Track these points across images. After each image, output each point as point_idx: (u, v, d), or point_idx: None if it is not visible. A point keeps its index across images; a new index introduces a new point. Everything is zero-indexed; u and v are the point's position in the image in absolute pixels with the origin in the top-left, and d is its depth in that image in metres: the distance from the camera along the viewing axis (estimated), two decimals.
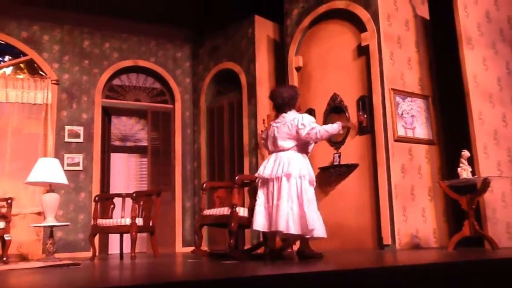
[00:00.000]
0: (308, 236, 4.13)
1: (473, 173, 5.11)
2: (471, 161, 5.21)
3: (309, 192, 4.18)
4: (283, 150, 4.31)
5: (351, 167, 6.10)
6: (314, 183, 4.30)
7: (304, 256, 4.31)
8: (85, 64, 7.98)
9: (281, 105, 4.39)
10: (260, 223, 4.18)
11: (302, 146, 4.34)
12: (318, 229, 4.07)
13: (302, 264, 3.71)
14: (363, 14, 6.21)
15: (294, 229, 4.04)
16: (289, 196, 4.11)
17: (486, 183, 4.89)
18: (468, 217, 4.89)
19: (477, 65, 5.65)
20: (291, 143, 4.30)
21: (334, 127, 4.30)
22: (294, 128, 4.26)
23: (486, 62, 5.73)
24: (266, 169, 4.28)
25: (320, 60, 6.69)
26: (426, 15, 6.64)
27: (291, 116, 4.32)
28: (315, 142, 4.59)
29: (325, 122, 6.36)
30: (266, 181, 4.26)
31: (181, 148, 8.37)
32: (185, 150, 8.41)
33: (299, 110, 4.54)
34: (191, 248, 5.68)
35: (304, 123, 4.24)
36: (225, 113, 8.06)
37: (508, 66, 5.88)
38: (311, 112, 6.57)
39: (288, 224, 4.03)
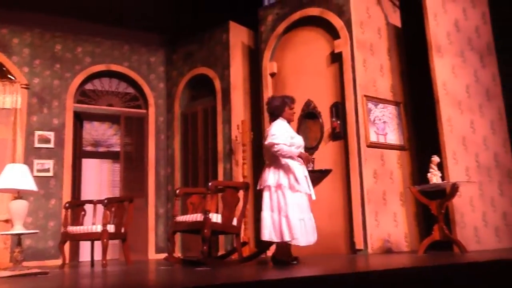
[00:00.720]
0: (290, 243, 4.36)
1: (442, 178, 5.22)
2: (441, 166, 5.32)
3: (290, 200, 4.33)
4: (266, 159, 4.61)
5: (324, 173, 6.14)
6: (298, 188, 4.37)
7: (277, 262, 4.40)
8: (57, 68, 7.84)
9: (269, 114, 4.70)
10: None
11: (274, 157, 4.47)
12: (298, 237, 4.28)
13: (276, 270, 3.71)
14: (337, 22, 6.29)
15: (274, 237, 4.32)
16: (271, 206, 4.39)
17: (454, 188, 4.99)
18: (437, 221, 4.98)
19: (446, 72, 5.78)
20: (269, 153, 4.52)
21: (293, 152, 4.43)
22: (267, 137, 4.51)
23: (455, 70, 5.87)
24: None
25: (294, 66, 6.74)
26: (398, 23, 6.77)
27: (270, 127, 4.57)
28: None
29: (300, 127, 6.41)
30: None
31: (154, 154, 8.29)
32: (158, 156, 8.33)
33: (290, 121, 4.68)
34: (164, 255, 5.62)
35: (269, 134, 4.47)
36: (199, 118, 8.03)
37: (476, 74, 6.04)
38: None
39: (270, 232, 4.33)
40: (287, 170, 4.42)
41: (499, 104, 6.11)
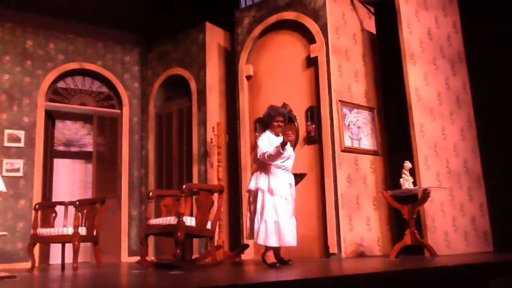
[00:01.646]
0: (263, 245, 4.52)
1: (414, 183, 5.31)
2: (413, 172, 5.42)
3: (267, 204, 4.50)
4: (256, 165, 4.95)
5: (299, 176, 6.16)
6: (275, 192, 4.52)
7: (264, 262, 4.61)
8: (28, 65, 7.65)
9: (260, 127, 5.05)
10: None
11: (261, 162, 4.69)
12: (271, 240, 4.45)
13: (248, 274, 3.71)
14: (313, 26, 6.34)
15: (256, 239, 4.53)
16: (249, 208, 4.69)
17: (426, 193, 5.09)
18: (409, 226, 5.07)
19: (419, 79, 5.90)
20: (256, 160, 4.85)
21: (274, 150, 4.50)
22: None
23: (427, 77, 6.00)
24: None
25: (270, 69, 6.76)
26: (373, 30, 6.87)
27: (258, 138, 4.83)
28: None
29: None
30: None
31: (128, 155, 8.18)
32: (132, 157, 8.22)
33: (276, 134, 4.75)
34: (137, 258, 5.55)
35: (258, 144, 4.70)
36: (174, 119, 7.96)
37: (447, 82, 6.18)
38: (260, 120, 6.62)
39: (249, 233, 4.66)
40: (269, 174, 4.60)
41: (469, 111, 6.27)
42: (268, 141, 4.63)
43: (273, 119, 4.72)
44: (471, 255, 5.17)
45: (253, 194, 4.67)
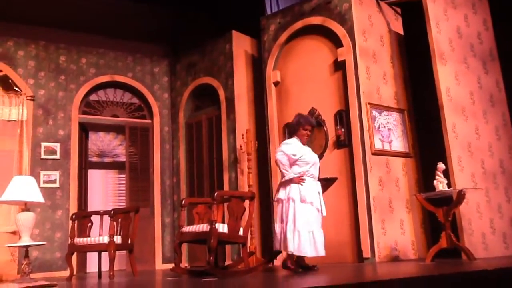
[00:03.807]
0: (297, 254, 4.51)
1: (448, 185, 5.21)
2: (447, 173, 5.31)
3: (300, 213, 4.53)
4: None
5: (329, 181, 6.11)
6: (307, 201, 4.58)
7: (286, 268, 4.62)
8: (61, 79, 7.90)
9: (288, 132, 5.13)
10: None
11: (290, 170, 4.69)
12: (303, 248, 4.46)
13: (282, 280, 3.71)
14: (339, 30, 6.31)
15: (282, 248, 4.58)
16: (280, 219, 4.64)
17: (461, 195, 4.98)
18: (444, 228, 4.97)
19: (449, 79, 5.79)
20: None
21: (288, 175, 4.65)
22: None
23: (458, 76, 5.88)
24: None
25: (298, 75, 6.76)
26: (400, 31, 6.79)
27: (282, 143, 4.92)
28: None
29: None
30: None
31: (159, 164, 8.31)
32: (163, 166, 8.35)
33: (302, 142, 4.85)
34: (172, 265, 5.62)
35: (280, 148, 4.79)
36: (204, 128, 8.05)
37: (479, 81, 6.04)
38: (288, 126, 6.62)
39: (279, 243, 4.61)
40: (297, 183, 4.65)
41: (504, 110, 6.11)
42: (290, 150, 4.69)
43: (303, 126, 4.79)
44: (511, 258, 5.01)
45: (284, 204, 4.65)
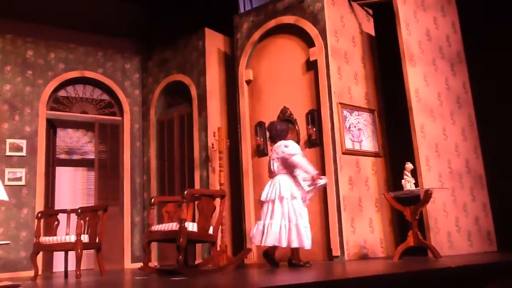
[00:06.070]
0: (297, 247, 4.87)
1: (416, 184, 5.30)
2: (414, 173, 5.41)
3: (299, 210, 4.90)
4: (275, 174, 5.05)
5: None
6: (307, 201, 5.08)
7: (293, 265, 4.95)
8: (29, 74, 7.69)
9: (274, 136, 5.22)
10: (257, 239, 4.93)
11: (289, 169, 5.01)
12: (305, 242, 4.84)
13: (252, 278, 3.70)
14: (311, 30, 6.35)
15: (284, 243, 4.79)
16: (282, 215, 4.85)
17: (428, 194, 5.08)
18: (412, 227, 5.06)
19: (418, 80, 5.89)
20: (280, 167, 5.03)
21: (310, 170, 5.01)
22: (280, 152, 5.02)
23: (427, 78, 5.99)
24: (263, 193, 5.07)
25: (270, 73, 6.77)
26: (372, 32, 6.88)
27: (278, 144, 5.12)
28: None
29: None
30: (263, 204, 5.05)
31: (129, 161, 8.19)
32: (134, 164, 8.23)
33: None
34: (140, 264, 5.54)
35: (286, 144, 5.03)
36: (175, 125, 7.98)
37: (447, 82, 6.18)
38: (260, 124, 6.63)
39: (280, 238, 4.80)
40: (298, 182, 5.01)
41: (470, 111, 6.27)
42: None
43: (288, 132, 5.29)
44: (474, 255, 5.15)
45: (288, 201, 4.89)
